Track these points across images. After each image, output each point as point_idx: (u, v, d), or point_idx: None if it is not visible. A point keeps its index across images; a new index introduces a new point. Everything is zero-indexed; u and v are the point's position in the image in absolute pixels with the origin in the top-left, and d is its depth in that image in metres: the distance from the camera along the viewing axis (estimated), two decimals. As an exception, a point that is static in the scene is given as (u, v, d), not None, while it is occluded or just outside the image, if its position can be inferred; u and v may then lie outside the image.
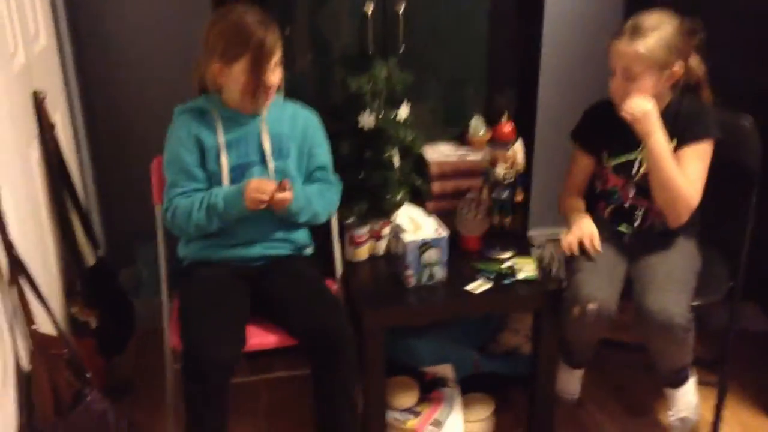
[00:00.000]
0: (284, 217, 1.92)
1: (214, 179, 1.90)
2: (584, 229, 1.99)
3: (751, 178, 2.04)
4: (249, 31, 1.78)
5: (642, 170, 1.97)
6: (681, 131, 1.92)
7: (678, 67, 1.90)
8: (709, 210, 2.02)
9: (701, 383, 2.07)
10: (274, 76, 1.84)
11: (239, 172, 1.90)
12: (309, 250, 2.07)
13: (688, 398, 2.02)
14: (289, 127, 1.96)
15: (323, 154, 2.03)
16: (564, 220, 2.10)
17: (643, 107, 1.85)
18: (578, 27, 2.67)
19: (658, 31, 1.85)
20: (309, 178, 2.01)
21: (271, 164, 1.92)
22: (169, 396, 1.98)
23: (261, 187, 1.81)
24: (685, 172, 1.89)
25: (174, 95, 2.05)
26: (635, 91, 1.88)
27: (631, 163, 1.99)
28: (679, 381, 2.01)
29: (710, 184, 1.96)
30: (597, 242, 1.97)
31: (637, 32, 1.85)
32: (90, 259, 2.14)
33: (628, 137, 1.92)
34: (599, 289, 1.87)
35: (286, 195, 1.81)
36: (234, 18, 1.80)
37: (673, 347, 1.88)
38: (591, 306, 1.83)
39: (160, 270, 2.03)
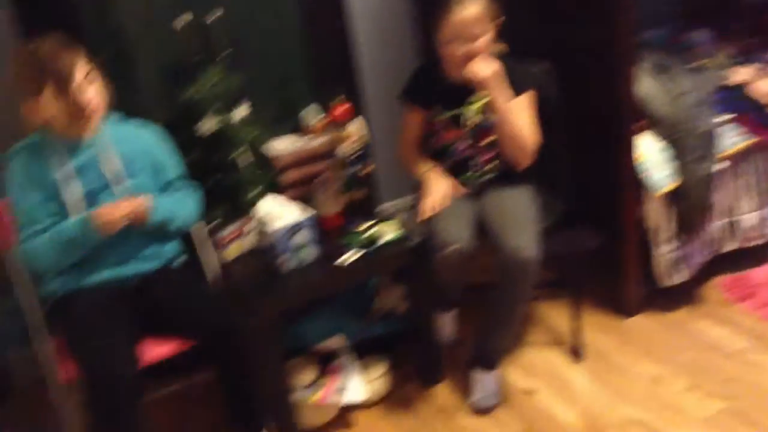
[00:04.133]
0: (152, 230, 1.93)
1: (65, 211, 1.86)
2: (436, 193, 2.16)
3: (558, 115, 2.32)
4: (42, 60, 1.77)
5: (470, 122, 2.18)
6: (509, 84, 2.13)
7: (500, 19, 2.13)
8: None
9: (554, 300, 2.33)
10: (86, 93, 1.82)
11: (91, 199, 1.88)
12: (180, 260, 2.09)
13: (493, 380, 2.21)
14: (134, 145, 1.97)
15: (174, 165, 2.06)
16: (411, 179, 2.28)
17: (490, 68, 2.06)
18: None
19: None
20: (165, 190, 2.03)
21: (122, 185, 1.91)
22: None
23: (111, 214, 1.81)
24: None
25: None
26: (477, 50, 2.08)
27: (459, 116, 2.20)
28: (491, 362, 2.22)
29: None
30: (448, 200, 2.15)
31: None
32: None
33: (455, 93, 2.14)
34: (458, 232, 2.06)
35: (136, 202, 1.84)
36: (27, 52, 1.80)
37: (523, 284, 2.06)
38: (455, 248, 2.02)
39: (32, 314, 1.94)
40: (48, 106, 1.80)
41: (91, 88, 1.83)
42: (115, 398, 1.68)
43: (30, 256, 1.85)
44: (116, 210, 1.82)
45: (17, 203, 1.87)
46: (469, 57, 2.09)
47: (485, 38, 2.10)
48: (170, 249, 2.04)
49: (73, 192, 1.86)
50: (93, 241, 1.83)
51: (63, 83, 1.78)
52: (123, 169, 1.92)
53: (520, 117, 2.13)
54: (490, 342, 2.22)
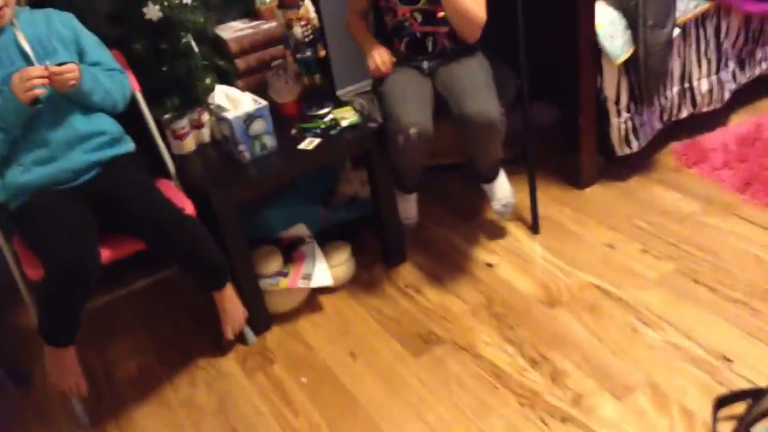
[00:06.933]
0: (78, 98, 1.90)
1: None
2: (379, 54, 2.19)
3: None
4: None
5: None
6: None
7: None
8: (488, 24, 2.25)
9: (511, 176, 2.40)
10: None
11: (8, 83, 1.82)
12: (130, 146, 2.05)
13: (503, 186, 2.37)
14: (45, 27, 1.93)
15: (94, 47, 2.00)
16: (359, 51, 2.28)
17: None
18: None
19: None
20: None
21: (38, 64, 1.85)
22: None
23: (24, 74, 1.77)
24: None
25: None
26: None
27: None
28: (493, 174, 2.34)
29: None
30: (387, 58, 2.19)
31: None
32: None
33: None
34: (416, 115, 2.05)
35: (63, 68, 1.80)
36: None
37: (492, 142, 2.13)
38: (413, 131, 2.02)
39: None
40: None
41: None
42: (74, 290, 1.72)
43: None
44: (31, 70, 1.77)
45: None
46: None
47: None
48: (108, 126, 1.99)
49: None
50: (14, 111, 1.80)
51: None
52: (39, 51, 1.88)
53: None
54: (480, 168, 2.32)
